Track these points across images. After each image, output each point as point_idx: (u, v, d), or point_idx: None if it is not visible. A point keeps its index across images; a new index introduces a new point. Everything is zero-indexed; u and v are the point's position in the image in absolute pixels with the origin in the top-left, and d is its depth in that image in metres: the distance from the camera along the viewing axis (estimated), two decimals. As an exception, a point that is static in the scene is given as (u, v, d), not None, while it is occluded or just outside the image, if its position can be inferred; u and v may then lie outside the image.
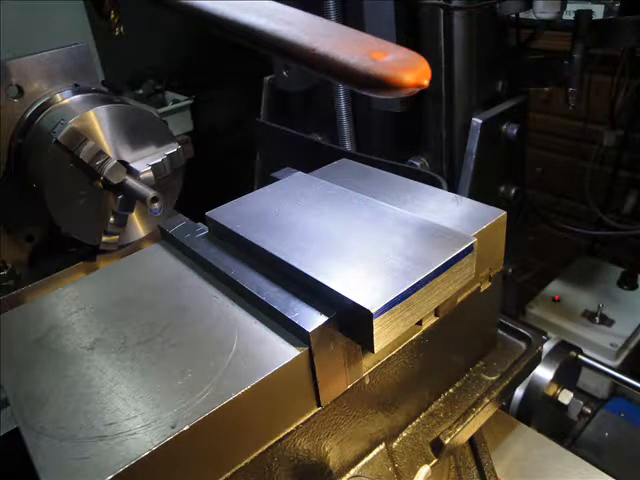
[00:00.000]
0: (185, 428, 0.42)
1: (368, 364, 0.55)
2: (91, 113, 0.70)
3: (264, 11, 0.45)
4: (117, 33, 0.83)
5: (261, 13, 0.44)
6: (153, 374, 0.47)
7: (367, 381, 0.55)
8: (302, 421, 0.51)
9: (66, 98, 0.76)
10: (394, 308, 0.46)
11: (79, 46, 0.79)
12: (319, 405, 0.51)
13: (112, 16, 0.81)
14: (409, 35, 0.93)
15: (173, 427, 0.42)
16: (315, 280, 0.50)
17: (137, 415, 0.44)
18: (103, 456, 0.41)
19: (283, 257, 0.53)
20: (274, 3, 0.46)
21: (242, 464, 0.47)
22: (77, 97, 0.76)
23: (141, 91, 2.34)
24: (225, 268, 0.57)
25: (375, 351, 0.47)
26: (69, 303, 0.59)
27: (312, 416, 0.51)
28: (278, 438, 0.49)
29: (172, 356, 0.49)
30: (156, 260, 0.64)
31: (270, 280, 0.54)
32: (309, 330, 0.47)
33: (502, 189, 1.07)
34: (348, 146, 1.13)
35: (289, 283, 0.53)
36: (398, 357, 0.58)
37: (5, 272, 0.78)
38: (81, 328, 0.55)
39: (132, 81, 2.38)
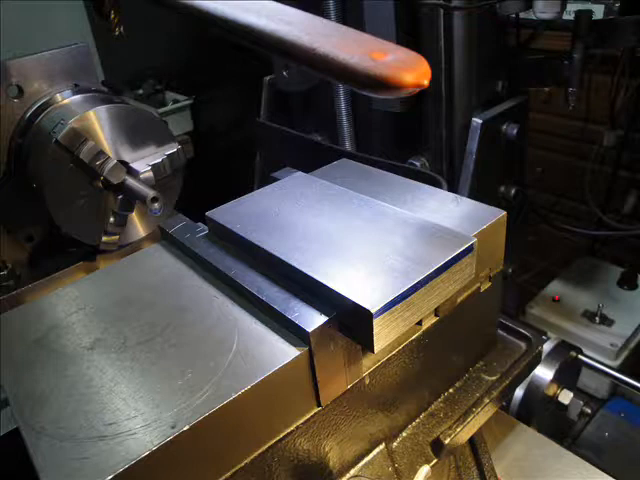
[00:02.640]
0: (185, 428, 0.42)
1: (368, 364, 0.55)
2: (91, 113, 0.70)
3: (264, 11, 0.45)
4: (117, 33, 0.82)
5: (261, 13, 0.44)
6: (153, 374, 0.47)
7: (367, 381, 0.55)
8: (302, 421, 0.51)
9: (66, 98, 0.76)
10: (394, 308, 0.46)
11: (79, 46, 0.79)
12: (319, 405, 0.51)
13: (112, 16, 0.81)
14: (409, 35, 0.93)
15: (173, 427, 0.42)
16: (315, 280, 0.50)
17: (137, 415, 0.44)
18: (103, 456, 0.41)
19: (283, 257, 0.53)
20: (274, 3, 0.46)
21: (242, 464, 0.47)
22: (77, 97, 0.76)
23: (141, 91, 2.34)
24: (225, 268, 0.57)
25: (375, 351, 0.47)
26: (69, 303, 0.59)
27: (312, 416, 0.51)
28: (278, 438, 0.49)
29: (172, 356, 0.49)
30: (156, 260, 0.64)
31: (270, 280, 0.54)
32: (309, 330, 0.47)
33: (502, 189, 1.07)
34: (348, 146, 1.13)
35: (289, 283, 0.53)
36: (398, 357, 0.58)
37: (5, 272, 0.78)
38: (81, 328, 0.55)
39: (132, 81, 2.38)
